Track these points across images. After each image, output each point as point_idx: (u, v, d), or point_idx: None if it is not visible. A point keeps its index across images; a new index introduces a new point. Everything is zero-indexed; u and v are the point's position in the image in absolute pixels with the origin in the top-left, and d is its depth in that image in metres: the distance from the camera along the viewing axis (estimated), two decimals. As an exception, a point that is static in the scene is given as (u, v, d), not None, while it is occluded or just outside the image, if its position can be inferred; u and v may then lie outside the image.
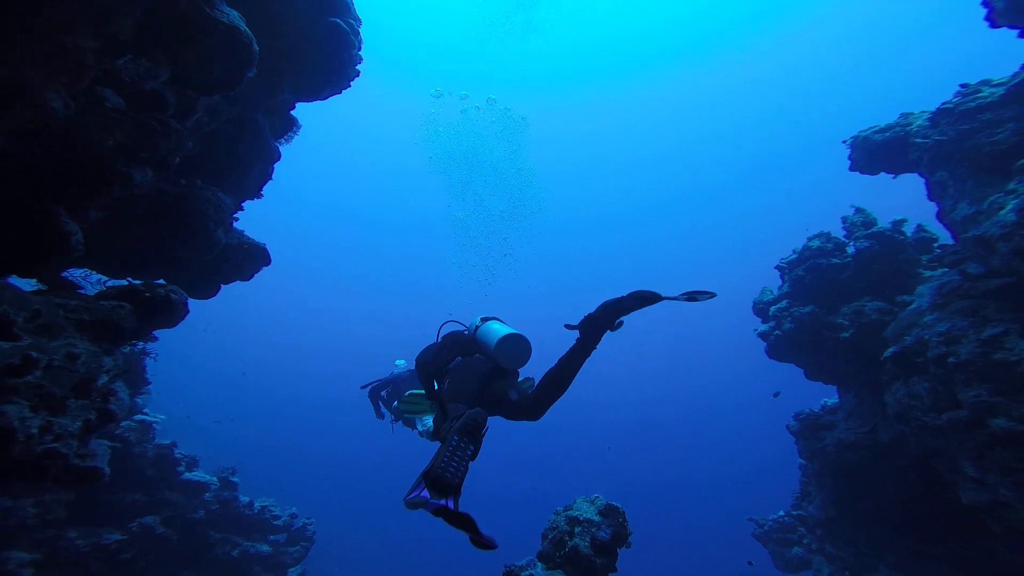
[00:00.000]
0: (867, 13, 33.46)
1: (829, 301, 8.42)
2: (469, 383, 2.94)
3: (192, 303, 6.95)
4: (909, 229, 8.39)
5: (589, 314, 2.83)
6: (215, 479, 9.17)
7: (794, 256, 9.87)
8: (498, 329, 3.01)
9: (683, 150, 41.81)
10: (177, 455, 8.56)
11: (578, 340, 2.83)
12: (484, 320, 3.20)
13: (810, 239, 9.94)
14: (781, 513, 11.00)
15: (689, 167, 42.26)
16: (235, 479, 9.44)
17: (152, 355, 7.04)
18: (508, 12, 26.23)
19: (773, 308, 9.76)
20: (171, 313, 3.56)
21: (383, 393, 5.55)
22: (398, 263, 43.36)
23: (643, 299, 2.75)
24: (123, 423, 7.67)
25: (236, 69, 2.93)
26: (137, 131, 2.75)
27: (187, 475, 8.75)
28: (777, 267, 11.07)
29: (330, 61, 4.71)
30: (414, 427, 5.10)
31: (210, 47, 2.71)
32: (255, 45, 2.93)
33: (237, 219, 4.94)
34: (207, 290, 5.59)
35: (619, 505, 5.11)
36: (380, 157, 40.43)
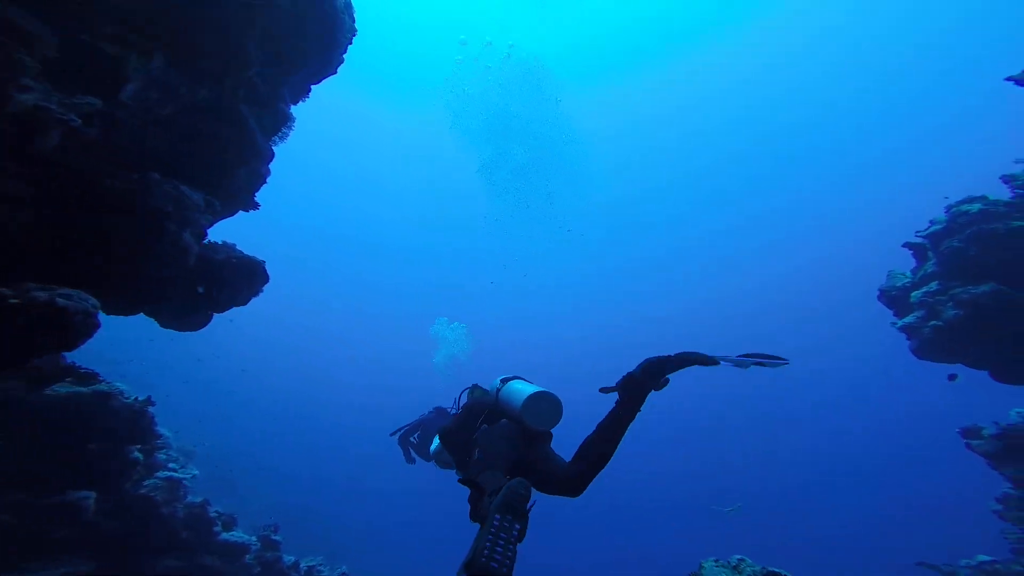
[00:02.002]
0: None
1: (1016, 275, 6.13)
2: (501, 450, 2.64)
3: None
4: None
5: (630, 373, 2.53)
6: (255, 539, 8.21)
7: (938, 227, 7.57)
8: (522, 388, 2.77)
9: (717, 134, 38.08)
10: (212, 514, 7.69)
11: (618, 403, 2.51)
12: (504, 381, 2.95)
13: (956, 204, 7.64)
14: (985, 559, 8.41)
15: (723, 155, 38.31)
16: (277, 537, 8.45)
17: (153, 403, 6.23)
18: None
19: (917, 293, 7.48)
20: (62, 329, 2.44)
21: (412, 439, 4.59)
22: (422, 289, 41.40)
23: (692, 360, 2.42)
24: (147, 481, 6.89)
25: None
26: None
27: (224, 535, 7.85)
28: (909, 244, 8.69)
29: (313, 14, 3.65)
30: (451, 467, 4.04)
31: None
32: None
33: (211, 220, 3.94)
34: (195, 318, 4.57)
35: (784, 572, 3.42)
36: (405, 172, 39.02)
